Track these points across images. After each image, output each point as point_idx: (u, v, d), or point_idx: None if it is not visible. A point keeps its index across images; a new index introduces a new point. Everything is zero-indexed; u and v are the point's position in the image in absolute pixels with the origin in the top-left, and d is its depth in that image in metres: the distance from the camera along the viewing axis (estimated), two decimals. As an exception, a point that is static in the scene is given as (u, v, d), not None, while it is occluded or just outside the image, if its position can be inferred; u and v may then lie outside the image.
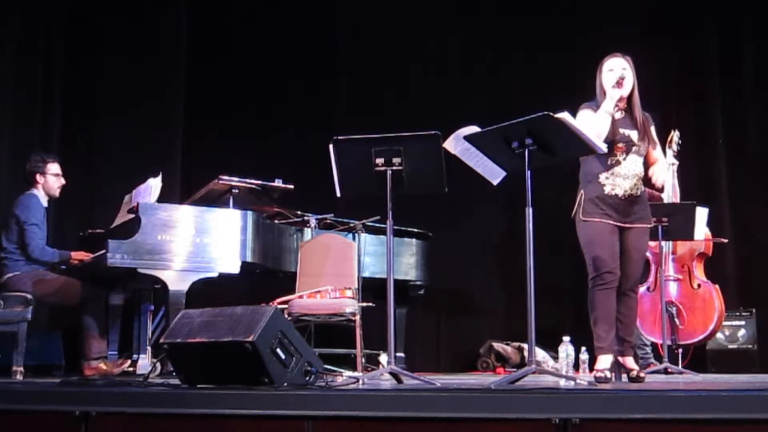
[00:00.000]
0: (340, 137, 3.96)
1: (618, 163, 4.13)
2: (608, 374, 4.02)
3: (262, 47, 7.65)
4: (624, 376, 4.23)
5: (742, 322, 6.32)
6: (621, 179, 4.12)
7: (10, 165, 6.44)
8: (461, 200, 6.44)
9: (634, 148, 4.15)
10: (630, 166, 4.14)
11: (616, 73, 4.12)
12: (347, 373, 4.67)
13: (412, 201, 4.51)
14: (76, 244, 5.64)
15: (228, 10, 7.70)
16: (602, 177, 4.13)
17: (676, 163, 5.95)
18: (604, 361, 4.05)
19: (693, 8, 7.15)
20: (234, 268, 5.15)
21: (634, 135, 4.15)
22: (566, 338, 4.93)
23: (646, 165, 4.26)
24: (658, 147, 4.35)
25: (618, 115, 4.12)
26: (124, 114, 7.29)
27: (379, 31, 7.55)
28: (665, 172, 4.46)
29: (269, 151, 7.39)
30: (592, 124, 3.97)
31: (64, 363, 6.12)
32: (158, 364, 4.63)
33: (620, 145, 4.12)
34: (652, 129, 4.27)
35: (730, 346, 6.30)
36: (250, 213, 5.32)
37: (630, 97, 4.16)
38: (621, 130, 4.12)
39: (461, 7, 7.53)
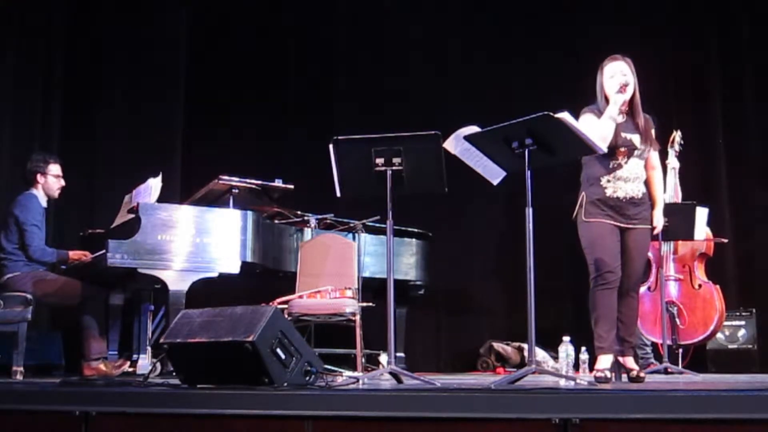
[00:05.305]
0: (340, 137, 3.96)
1: (620, 166, 4.13)
2: (608, 374, 4.01)
3: (262, 47, 7.66)
4: (624, 376, 4.23)
5: (742, 322, 6.32)
6: (622, 182, 4.13)
7: (10, 165, 6.44)
8: (461, 200, 6.44)
9: (636, 152, 4.14)
10: (632, 170, 4.14)
11: (618, 79, 4.10)
12: (347, 373, 4.67)
13: (412, 201, 4.51)
14: (76, 244, 5.65)
15: (228, 10, 7.70)
16: (604, 180, 4.13)
17: (677, 165, 5.95)
18: (604, 361, 4.05)
19: (693, 8, 7.14)
20: (234, 268, 5.15)
21: (636, 139, 4.14)
22: (566, 338, 4.92)
23: (646, 168, 4.26)
24: (657, 153, 4.35)
25: (620, 119, 4.09)
26: (124, 114, 7.30)
27: (379, 31, 7.55)
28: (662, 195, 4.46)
29: (269, 151, 7.40)
30: (596, 129, 3.96)
31: (64, 363, 6.12)
32: (158, 364, 4.62)
33: (622, 149, 4.11)
34: (653, 132, 4.26)
35: (730, 346, 6.30)
36: (250, 213, 5.32)
37: (631, 99, 4.15)
38: (623, 135, 4.11)
39: (461, 7, 7.53)
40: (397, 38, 7.50)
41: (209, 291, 5.22)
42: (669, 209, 5.29)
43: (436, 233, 6.73)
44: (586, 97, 4.27)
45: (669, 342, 5.56)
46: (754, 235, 6.77)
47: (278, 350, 3.39)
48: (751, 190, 6.85)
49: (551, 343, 5.40)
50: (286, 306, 5.20)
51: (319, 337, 6.06)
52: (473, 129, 3.85)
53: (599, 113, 4.12)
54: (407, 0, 7.57)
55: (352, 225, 6.01)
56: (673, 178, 5.90)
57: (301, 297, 5.34)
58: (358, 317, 5.29)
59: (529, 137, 3.66)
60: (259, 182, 5.46)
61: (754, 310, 6.35)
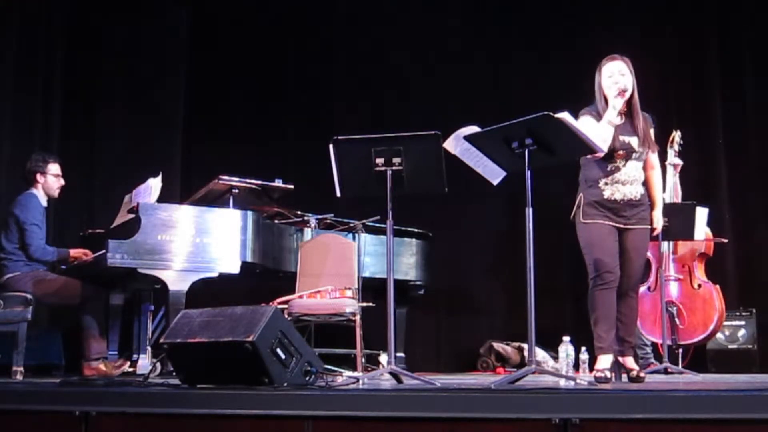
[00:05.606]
0: (340, 137, 3.96)
1: (618, 169, 4.12)
2: (608, 374, 4.01)
3: (262, 47, 7.66)
4: (624, 376, 4.23)
5: (742, 322, 6.32)
6: (620, 185, 4.12)
7: (10, 165, 6.44)
8: (461, 200, 6.43)
9: (634, 155, 4.13)
10: (630, 172, 4.13)
11: (616, 79, 4.09)
12: (347, 373, 4.67)
13: (412, 201, 4.51)
14: (76, 244, 5.64)
15: (228, 10, 7.71)
16: (602, 182, 4.13)
17: (680, 162, 5.95)
18: (604, 361, 4.05)
19: (693, 9, 7.14)
20: (234, 268, 5.15)
21: (634, 141, 4.13)
22: (566, 338, 4.93)
23: (645, 168, 4.25)
24: (656, 154, 4.34)
25: (618, 121, 4.07)
26: (124, 114, 7.30)
27: (379, 30, 7.55)
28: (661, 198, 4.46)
29: (269, 151, 7.41)
30: (595, 134, 3.94)
31: (64, 363, 6.12)
32: (158, 364, 4.62)
33: (620, 152, 4.10)
34: (651, 132, 4.25)
35: (730, 346, 6.30)
36: (250, 213, 5.32)
37: (630, 100, 4.13)
38: (621, 137, 4.10)
39: (461, 7, 7.53)
40: (396, 38, 7.50)
41: (209, 291, 5.22)
42: (669, 209, 5.30)
43: (436, 233, 6.73)
44: (586, 97, 4.26)
45: (669, 342, 5.56)
46: (754, 235, 6.77)
47: (278, 350, 3.39)
48: (751, 190, 6.85)
49: (551, 343, 5.40)
50: (286, 306, 5.20)
51: (319, 337, 6.06)
52: (473, 129, 3.85)
53: (597, 115, 4.11)
54: (407, 0, 7.57)
55: (352, 225, 6.00)
56: (672, 177, 5.90)
57: (301, 297, 5.34)
58: (358, 317, 5.29)
59: (529, 137, 3.65)
60: (259, 182, 5.46)
61: (754, 310, 6.35)
